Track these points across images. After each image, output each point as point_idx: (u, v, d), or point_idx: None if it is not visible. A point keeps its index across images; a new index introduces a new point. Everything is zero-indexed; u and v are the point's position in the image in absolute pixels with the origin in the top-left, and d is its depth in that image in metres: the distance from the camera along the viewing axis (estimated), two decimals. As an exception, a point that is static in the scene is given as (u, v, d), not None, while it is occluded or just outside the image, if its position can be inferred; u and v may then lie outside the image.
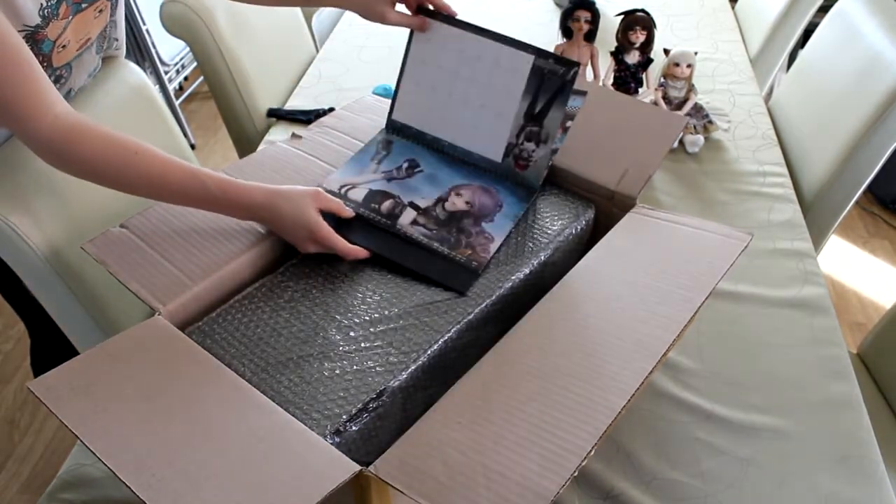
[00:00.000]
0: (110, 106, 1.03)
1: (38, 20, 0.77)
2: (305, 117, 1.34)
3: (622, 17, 1.23)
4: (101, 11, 0.90)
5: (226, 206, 0.75)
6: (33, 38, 0.78)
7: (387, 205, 0.81)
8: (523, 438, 0.53)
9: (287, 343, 0.67)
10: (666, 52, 1.23)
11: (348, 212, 0.79)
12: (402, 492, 0.50)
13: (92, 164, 0.72)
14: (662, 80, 1.23)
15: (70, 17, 0.83)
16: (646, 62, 1.24)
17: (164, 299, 0.69)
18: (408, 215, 0.80)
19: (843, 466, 0.74)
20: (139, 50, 2.33)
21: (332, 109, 1.32)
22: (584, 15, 1.22)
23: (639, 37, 1.22)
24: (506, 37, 0.84)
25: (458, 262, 0.75)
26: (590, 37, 1.25)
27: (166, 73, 2.43)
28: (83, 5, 0.84)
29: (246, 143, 1.49)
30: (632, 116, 0.88)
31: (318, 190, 0.77)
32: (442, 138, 0.88)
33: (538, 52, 0.82)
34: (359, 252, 0.75)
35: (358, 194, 0.83)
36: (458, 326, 0.68)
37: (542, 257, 0.77)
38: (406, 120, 0.91)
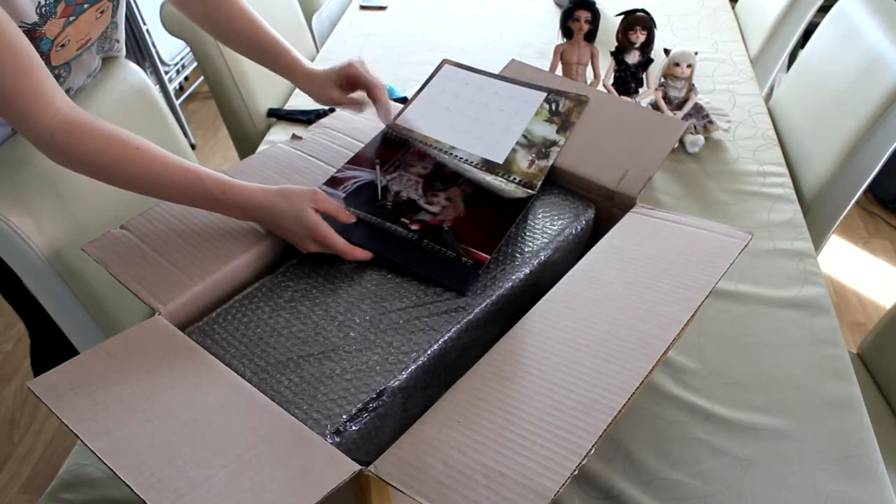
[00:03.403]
0: (110, 106, 1.03)
1: (35, 18, 0.77)
2: (305, 117, 1.34)
3: (622, 17, 1.23)
4: (102, 13, 0.90)
5: (225, 206, 0.75)
6: (30, 35, 0.78)
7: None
8: (523, 438, 0.53)
9: (287, 343, 0.67)
10: (666, 52, 1.23)
11: (346, 215, 0.78)
12: (402, 491, 0.50)
13: (92, 158, 0.72)
14: (662, 80, 1.23)
15: (70, 17, 0.83)
16: (646, 62, 1.24)
17: (164, 299, 0.69)
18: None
19: (843, 466, 0.74)
20: (139, 50, 2.33)
21: (332, 110, 1.32)
22: (585, 15, 1.22)
23: (639, 37, 1.22)
24: (524, 81, 0.92)
25: (457, 262, 0.75)
26: (590, 37, 1.25)
27: (166, 73, 2.43)
28: (85, 6, 0.84)
29: (246, 143, 1.49)
30: (633, 120, 0.88)
31: (316, 190, 0.76)
32: (443, 141, 0.89)
33: (550, 91, 0.90)
34: (358, 252, 0.75)
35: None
36: (458, 326, 0.68)
37: (542, 257, 0.77)
38: (408, 125, 0.91)
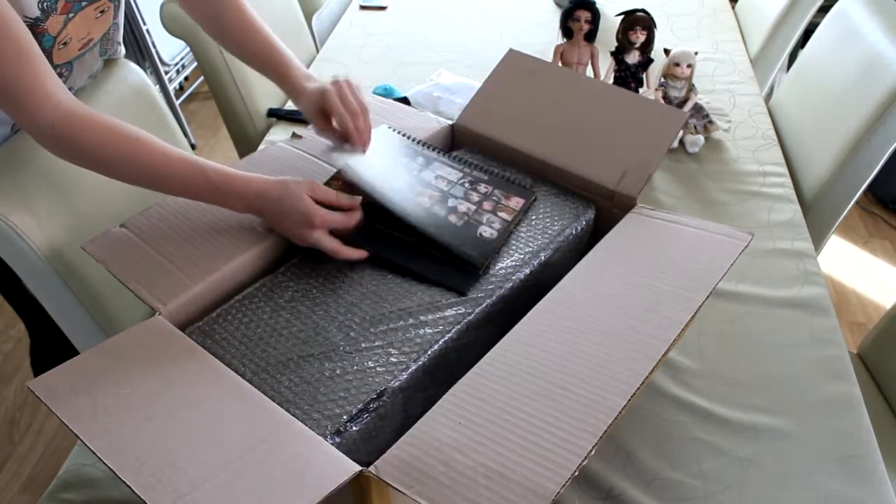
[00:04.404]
0: (111, 106, 1.03)
1: (37, 13, 0.78)
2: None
3: (622, 17, 1.23)
4: (102, 12, 0.90)
5: (225, 194, 0.75)
6: (33, 31, 0.78)
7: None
8: (523, 438, 0.53)
9: (287, 343, 0.67)
10: (666, 52, 1.23)
11: (348, 200, 0.77)
12: (402, 492, 0.50)
13: (93, 150, 0.72)
14: (662, 80, 1.23)
15: (70, 14, 0.83)
16: (646, 62, 1.24)
17: (164, 299, 0.69)
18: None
19: (843, 466, 0.74)
20: (139, 50, 2.33)
21: (332, 109, 1.32)
22: (585, 15, 1.22)
23: (639, 37, 1.22)
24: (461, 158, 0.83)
25: (457, 262, 0.75)
26: (590, 37, 1.25)
27: (166, 73, 2.43)
28: (83, 3, 0.85)
29: (246, 143, 1.49)
30: (631, 112, 0.88)
31: (313, 180, 0.76)
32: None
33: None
34: (352, 252, 0.74)
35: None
36: (458, 326, 0.68)
37: (542, 257, 0.77)
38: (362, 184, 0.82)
